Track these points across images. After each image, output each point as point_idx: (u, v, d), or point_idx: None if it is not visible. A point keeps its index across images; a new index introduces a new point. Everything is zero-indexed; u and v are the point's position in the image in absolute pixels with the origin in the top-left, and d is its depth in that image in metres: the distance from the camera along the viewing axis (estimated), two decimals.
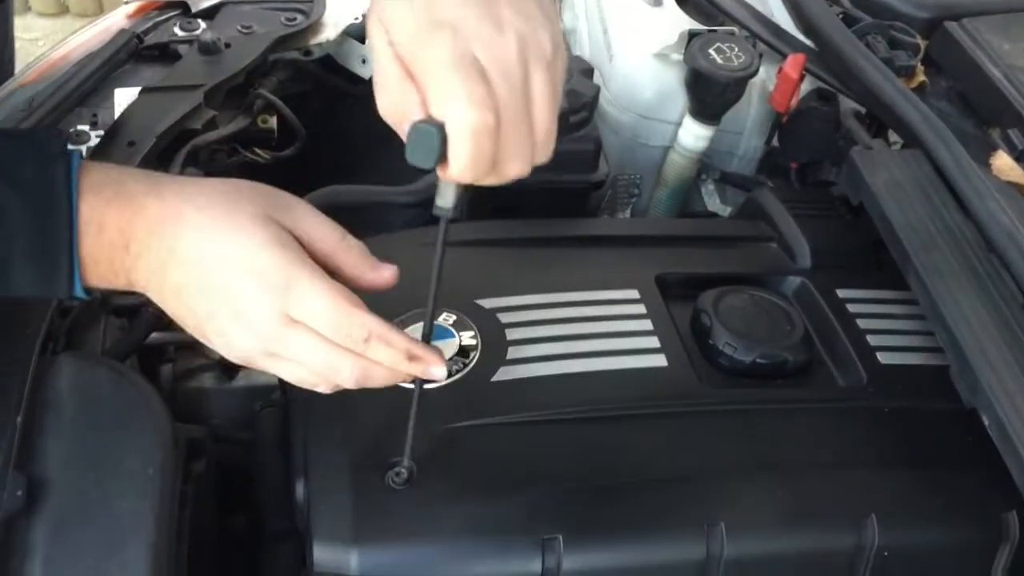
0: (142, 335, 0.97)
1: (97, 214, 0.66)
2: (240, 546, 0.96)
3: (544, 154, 0.65)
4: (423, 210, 1.12)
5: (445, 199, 0.66)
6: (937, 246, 0.91)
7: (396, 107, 0.63)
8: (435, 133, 0.60)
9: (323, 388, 0.70)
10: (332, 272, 0.69)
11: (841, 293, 0.99)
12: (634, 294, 0.95)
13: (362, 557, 0.74)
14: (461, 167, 0.62)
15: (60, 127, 1.11)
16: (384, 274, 0.71)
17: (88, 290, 0.68)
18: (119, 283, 0.69)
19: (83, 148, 1.08)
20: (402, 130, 0.62)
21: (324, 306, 0.66)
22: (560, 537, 0.75)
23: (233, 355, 0.69)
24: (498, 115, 0.61)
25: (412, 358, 0.68)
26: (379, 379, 0.69)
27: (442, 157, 0.61)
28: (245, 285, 0.66)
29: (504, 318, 0.91)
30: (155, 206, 0.67)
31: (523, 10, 0.63)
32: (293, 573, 0.86)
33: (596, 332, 0.91)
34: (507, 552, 0.76)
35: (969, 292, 0.87)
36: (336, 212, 1.08)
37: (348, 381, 0.68)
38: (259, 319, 0.66)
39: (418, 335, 0.71)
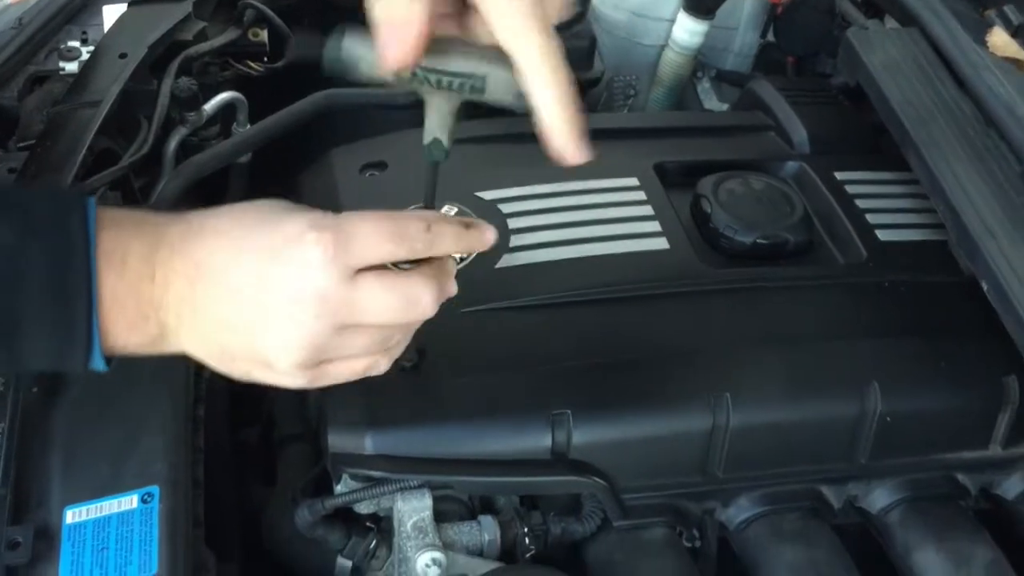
0: None
1: (120, 245, 0.58)
2: (254, 457, 0.97)
3: None
4: (421, 110, 1.11)
5: (434, 132, 0.63)
6: (935, 121, 0.91)
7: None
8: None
9: (384, 364, 0.64)
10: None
11: (839, 176, 1.00)
12: (633, 182, 0.96)
13: (375, 437, 0.75)
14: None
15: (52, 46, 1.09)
16: (487, 234, 0.64)
17: (109, 359, 0.59)
18: (148, 330, 0.59)
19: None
20: None
21: (376, 227, 0.59)
22: (569, 412, 0.76)
23: (294, 362, 0.60)
24: None
25: (468, 226, 0.63)
26: (451, 272, 0.63)
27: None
28: (292, 262, 0.58)
29: (505, 208, 0.92)
30: (178, 229, 0.60)
31: None
32: (306, 469, 0.87)
33: (597, 219, 0.91)
34: (517, 429, 0.77)
35: (967, 164, 0.87)
36: (334, 115, 1.10)
37: (430, 302, 0.61)
38: (321, 289, 0.58)
39: None
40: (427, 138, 0.63)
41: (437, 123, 0.63)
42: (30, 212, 0.58)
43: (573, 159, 0.60)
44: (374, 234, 0.59)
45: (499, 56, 0.59)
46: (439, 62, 0.60)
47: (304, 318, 0.58)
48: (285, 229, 0.59)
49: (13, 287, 0.56)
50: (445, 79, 0.60)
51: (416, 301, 0.60)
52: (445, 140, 0.63)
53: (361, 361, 0.63)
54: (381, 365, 0.64)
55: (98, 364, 0.59)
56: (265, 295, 0.58)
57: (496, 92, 0.60)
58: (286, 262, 0.58)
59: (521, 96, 0.59)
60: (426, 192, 0.66)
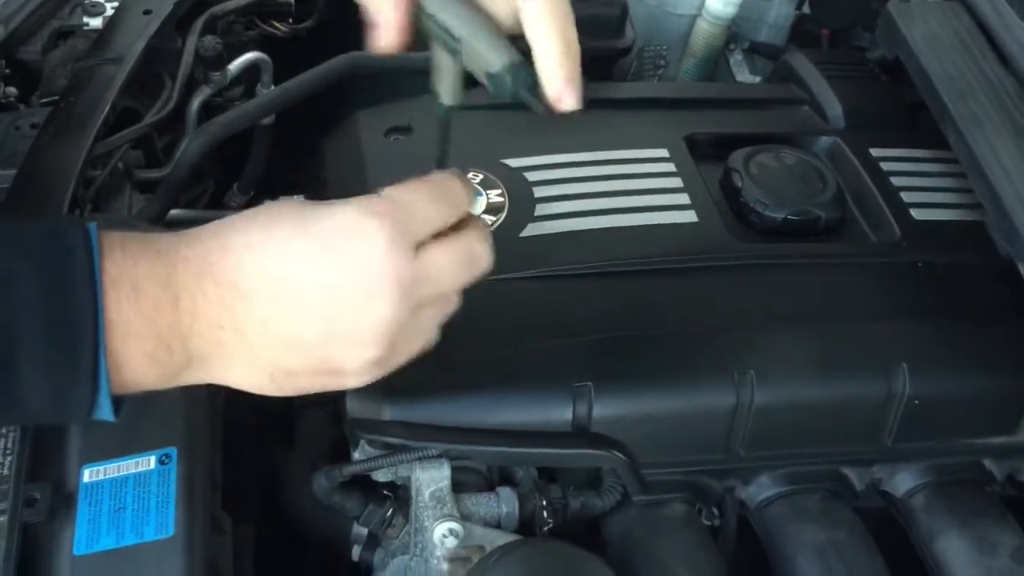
0: (170, 201, 0.97)
1: (127, 272, 0.52)
2: (273, 420, 0.97)
3: None
4: None
5: (446, 96, 0.63)
6: (976, 97, 0.89)
7: None
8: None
9: (436, 335, 0.61)
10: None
11: (875, 152, 0.97)
12: (663, 153, 0.94)
13: (394, 404, 0.74)
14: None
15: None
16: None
17: (118, 404, 0.53)
18: (173, 362, 0.53)
19: None
20: None
21: (423, 196, 0.57)
22: (591, 385, 0.75)
23: (369, 360, 0.57)
24: None
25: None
26: (482, 224, 0.62)
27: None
28: (358, 256, 0.54)
29: (531, 176, 0.90)
30: (193, 249, 0.54)
31: None
32: (325, 435, 0.87)
33: (625, 189, 0.90)
34: (538, 400, 0.76)
35: (1008, 141, 0.84)
36: (359, 78, 1.08)
37: (487, 254, 0.60)
38: (397, 274, 0.54)
39: None
40: (435, 93, 0.62)
41: (441, 77, 0.62)
42: (24, 240, 0.51)
43: (564, 105, 0.59)
44: (424, 204, 0.57)
45: (496, 34, 0.58)
46: (439, 8, 0.59)
47: (383, 310, 0.55)
48: (335, 223, 0.55)
49: (7, 325, 0.49)
50: (436, 28, 0.59)
51: (478, 256, 0.60)
52: (447, 97, 0.62)
53: (425, 338, 0.60)
54: (434, 336, 0.62)
55: (104, 410, 0.52)
56: (334, 298, 0.54)
57: (470, 63, 0.59)
58: (352, 257, 0.54)
59: (495, 80, 0.58)
60: (439, 151, 0.65)
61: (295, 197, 1.02)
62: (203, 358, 0.55)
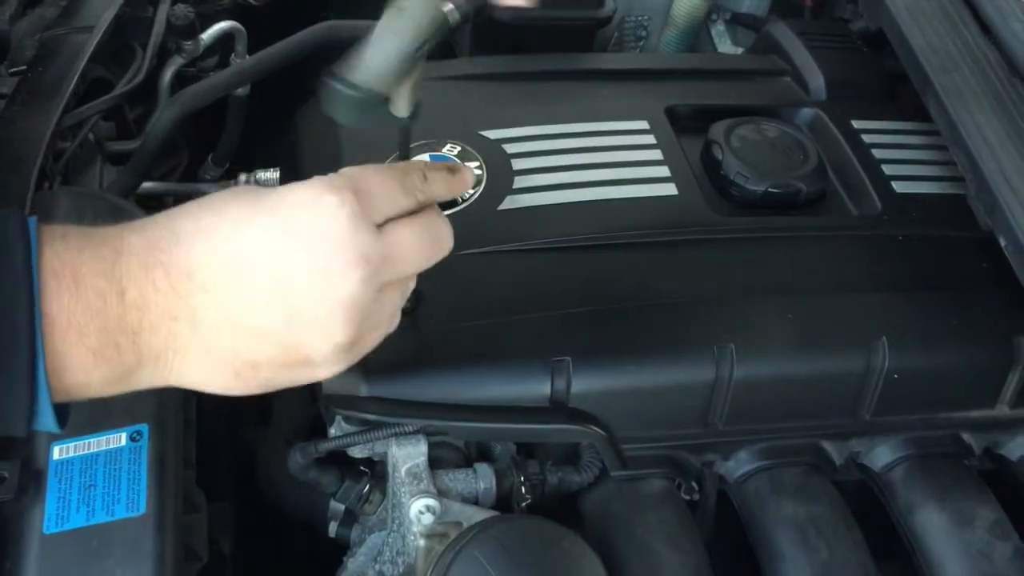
0: (142, 173, 0.95)
1: (68, 262, 0.48)
2: (249, 397, 0.96)
3: None
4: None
5: (400, 109, 0.62)
6: (958, 68, 0.88)
7: None
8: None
9: (398, 318, 0.60)
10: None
11: (856, 124, 0.97)
12: (643, 125, 0.93)
13: (370, 380, 0.73)
14: None
15: None
16: (467, 176, 0.63)
17: (63, 414, 0.49)
18: (121, 360, 0.50)
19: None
20: None
21: (384, 178, 0.56)
22: (569, 359, 0.74)
23: (338, 345, 0.54)
24: None
25: (452, 171, 0.61)
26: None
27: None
28: (321, 232, 0.52)
29: (510, 148, 0.89)
30: (139, 238, 0.51)
31: None
32: (300, 411, 0.86)
33: (604, 162, 0.89)
34: (516, 375, 0.75)
35: (990, 114, 0.84)
36: (335, 47, 1.06)
37: (449, 236, 0.59)
38: (362, 249, 0.52)
39: None
40: (400, 108, 0.61)
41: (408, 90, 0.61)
42: None
43: None
44: (384, 186, 0.55)
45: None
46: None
47: (349, 288, 0.52)
48: (294, 199, 0.52)
49: None
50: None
51: (441, 237, 0.58)
52: (401, 110, 0.61)
53: (389, 322, 0.59)
54: (397, 320, 0.60)
55: (46, 416, 0.47)
56: (297, 280, 0.51)
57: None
58: (313, 234, 0.51)
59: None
60: (400, 146, 0.65)
61: (270, 169, 1.01)
62: (156, 355, 0.51)
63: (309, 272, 0.51)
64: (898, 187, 0.91)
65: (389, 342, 0.63)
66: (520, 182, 0.86)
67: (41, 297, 0.47)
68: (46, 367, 0.47)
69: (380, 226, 0.54)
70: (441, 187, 0.59)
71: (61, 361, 0.48)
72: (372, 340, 0.58)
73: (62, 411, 0.50)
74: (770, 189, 0.88)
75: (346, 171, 0.56)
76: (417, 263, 0.58)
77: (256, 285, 0.51)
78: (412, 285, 0.60)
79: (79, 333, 0.48)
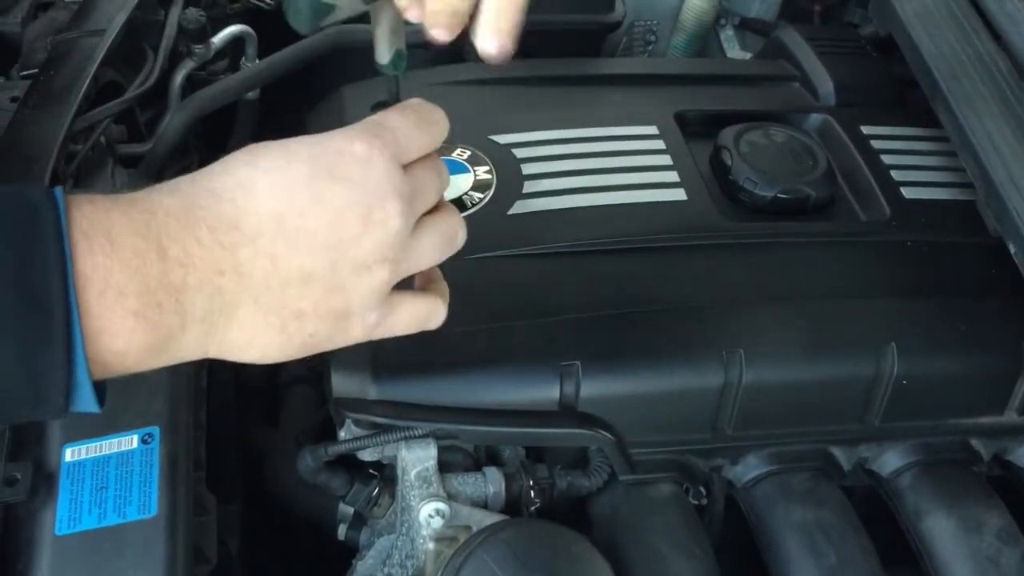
0: (153, 176, 0.95)
1: (98, 224, 0.46)
2: (258, 398, 0.96)
3: None
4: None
5: (381, 55, 0.62)
6: (968, 74, 0.88)
7: None
8: None
9: (443, 313, 0.63)
10: None
11: (865, 130, 0.97)
12: (653, 130, 0.93)
13: (380, 383, 0.73)
14: None
15: None
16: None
17: (102, 391, 0.47)
18: (163, 323, 0.47)
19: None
20: None
21: (407, 119, 0.57)
22: (579, 363, 0.75)
23: (374, 288, 0.55)
24: None
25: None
26: None
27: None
28: (357, 174, 0.53)
29: (519, 153, 0.89)
30: (172, 199, 0.50)
31: None
32: (310, 413, 0.86)
33: (614, 167, 0.89)
34: (525, 379, 0.75)
35: (999, 120, 0.84)
36: (344, 52, 1.06)
37: (448, 179, 0.61)
38: (395, 185, 0.54)
39: None
40: (381, 54, 0.61)
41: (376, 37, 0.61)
42: None
43: (491, 51, 0.55)
44: (410, 127, 0.57)
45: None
46: None
47: (388, 224, 0.54)
48: (328, 147, 0.54)
49: None
50: None
51: (447, 180, 0.60)
52: (381, 56, 0.62)
53: (428, 257, 0.59)
54: (439, 314, 0.62)
55: (84, 390, 0.44)
56: (338, 222, 0.52)
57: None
58: (351, 177, 0.53)
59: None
60: (389, 93, 0.64)
61: None
62: (201, 318, 0.49)
63: (350, 214, 0.53)
64: (907, 193, 0.91)
65: (399, 344, 0.64)
66: (530, 187, 0.86)
67: (73, 257, 0.44)
68: (83, 332, 0.44)
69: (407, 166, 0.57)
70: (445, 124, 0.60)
71: (99, 324, 0.45)
72: (403, 314, 0.59)
73: (99, 389, 0.47)
74: (779, 195, 0.88)
75: (373, 118, 0.58)
76: (436, 196, 0.59)
77: (302, 230, 0.52)
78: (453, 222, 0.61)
79: (118, 293, 0.45)
